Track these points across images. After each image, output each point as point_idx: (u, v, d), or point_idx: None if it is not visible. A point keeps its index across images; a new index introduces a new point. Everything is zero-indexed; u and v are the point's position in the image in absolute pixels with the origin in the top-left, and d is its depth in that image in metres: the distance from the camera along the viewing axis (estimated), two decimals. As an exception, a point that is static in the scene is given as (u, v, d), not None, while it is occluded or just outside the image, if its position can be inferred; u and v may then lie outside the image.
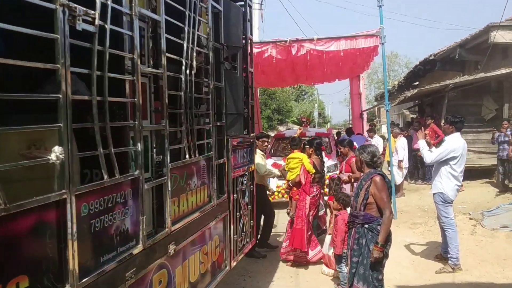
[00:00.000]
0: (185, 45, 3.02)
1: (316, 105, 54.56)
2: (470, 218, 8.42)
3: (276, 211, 9.60)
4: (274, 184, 10.38)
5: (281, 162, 10.12)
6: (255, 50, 9.53)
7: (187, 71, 3.06)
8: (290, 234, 6.27)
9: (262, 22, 14.11)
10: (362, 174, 4.47)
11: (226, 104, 3.93)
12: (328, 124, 60.32)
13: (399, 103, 14.82)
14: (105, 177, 2.06)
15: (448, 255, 6.04)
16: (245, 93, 4.54)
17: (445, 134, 6.27)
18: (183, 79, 3.00)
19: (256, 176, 6.76)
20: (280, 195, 10.21)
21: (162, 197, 2.71)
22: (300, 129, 8.53)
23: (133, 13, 2.34)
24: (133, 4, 2.34)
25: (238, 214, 4.21)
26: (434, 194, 6.19)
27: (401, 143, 11.68)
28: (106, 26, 2.09)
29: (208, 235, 3.52)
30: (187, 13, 3.06)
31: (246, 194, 4.52)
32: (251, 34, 4.79)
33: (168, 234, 2.73)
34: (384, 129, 28.77)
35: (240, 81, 4.17)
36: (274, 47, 9.53)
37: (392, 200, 9.59)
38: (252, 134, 4.76)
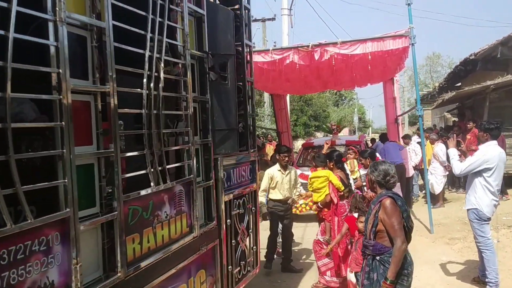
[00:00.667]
0: (147, 55, 2.60)
1: (356, 109, 53.28)
2: (514, 233, 7.60)
3: (303, 224, 9.03)
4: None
5: (308, 173, 9.56)
6: (276, 57, 9.13)
7: (151, 85, 2.63)
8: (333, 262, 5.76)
9: (292, 27, 13.69)
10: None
11: (214, 119, 3.50)
12: (370, 128, 58.81)
13: (437, 106, 13.99)
14: (8, 224, 1.66)
15: (486, 279, 5.35)
16: (242, 105, 4.09)
17: (480, 142, 5.60)
18: (144, 94, 2.58)
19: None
20: (308, 207, 9.63)
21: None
22: (326, 143, 7.89)
23: (58, 19, 1.94)
24: (57, 9, 1.93)
25: (233, 241, 3.75)
26: (468, 210, 5.52)
27: (440, 148, 10.91)
28: (8, 35, 1.69)
29: (189, 271, 3.07)
30: (149, 18, 2.64)
31: (246, 218, 4.05)
32: (250, 39, 4.35)
33: (121, 280, 2.29)
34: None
35: (232, 93, 3.72)
36: (296, 52, 9.03)
37: (428, 212, 8.96)
38: (253, 150, 4.29)
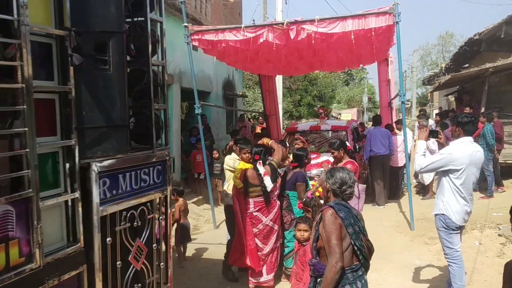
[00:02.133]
0: None
1: (365, 89, 51.98)
2: (500, 235, 6.82)
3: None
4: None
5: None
6: (249, 35, 8.30)
7: None
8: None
9: (286, 4, 12.74)
10: None
11: (84, 114, 2.79)
12: (379, 109, 57.30)
13: (436, 89, 13.08)
14: None
15: (451, 297, 4.65)
16: (145, 95, 3.37)
17: (453, 138, 4.83)
18: None
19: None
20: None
21: None
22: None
23: None
24: None
25: (119, 262, 3.07)
26: (435, 216, 4.79)
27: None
28: None
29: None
30: None
31: (145, 232, 3.36)
32: (161, 14, 3.60)
33: None
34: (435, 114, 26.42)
35: (118, 81, 2.99)
36: (271, 30, 8.18)
37: (409, 206, 8.19)
38: (162, 148, 3.58)
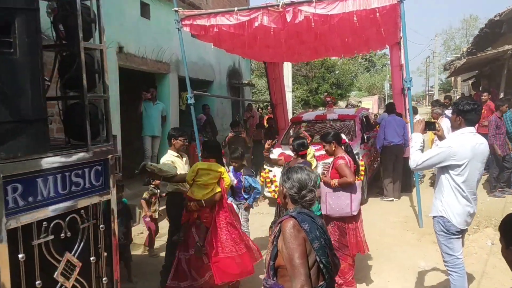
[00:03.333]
0: None
1: (387, 76, 50.73)
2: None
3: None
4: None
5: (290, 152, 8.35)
6: (242, 19, 7.75)
7: None
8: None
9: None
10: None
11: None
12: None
13: (453, 74, 12.27)
14: None
15: (452, 310, 4.07)
16: (77, 82, 2.89)
17: (452, 128, 4.23)
18: None
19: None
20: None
21: None
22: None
23: None
24: None
25: (39, 282, 2.60)
26: (433, 218, 4.21)
27: (445, 125, 9.39)
28: None
29: None
30: None
31: (80, 243, 2.89)
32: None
33: None
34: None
35: (26, 67, 2.50)
36: (266, 13, 7.60)
37: (417, 201, 7.54)
38: (100, 145, 3.10)
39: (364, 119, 10.90)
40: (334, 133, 5.41)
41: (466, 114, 3.91)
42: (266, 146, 5.77)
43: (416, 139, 4.17)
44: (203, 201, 4.72)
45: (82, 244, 2.92)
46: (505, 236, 2.11)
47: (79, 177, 2.92)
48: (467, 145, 3.84)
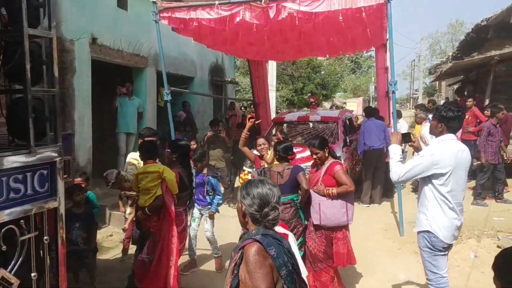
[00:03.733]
0: None
1: (372, 78, 50.83)
2: (498, 246, 5.94)
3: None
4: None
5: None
6: (223, 14, 7.41)
7: None
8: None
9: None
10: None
11: None
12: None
13: (438, 79, 12.11)
14: None
15: (433, 332, 3.80)
16: (20, 75, 2.54)
17: (433, 135, 3.97)
18: None
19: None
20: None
21: None
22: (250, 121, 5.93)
23: None
24: None
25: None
26: (417, 233, 3.93)
27: (427, 130, 9.20)
28: None
29: None
30: None
31: (20, 257, 2.54)
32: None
33: None
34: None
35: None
36: (248, 8, 7.26)
37: (399, 208, 7.27)
38: (47, 146, 2.75)
39: (348, 121, 10.63)
40: (322, 138, 5.01)
41: (449, 121, 3.67)
42: (249, 124, 5.48)
43: (394, 150, 3.90)
44: (146, 209, 4.43)
45: (21, 258, 2.57)
46: (499, 274, 1.81)
47: (19, 182, 2.56)
48: (449, 152, 3.59)
